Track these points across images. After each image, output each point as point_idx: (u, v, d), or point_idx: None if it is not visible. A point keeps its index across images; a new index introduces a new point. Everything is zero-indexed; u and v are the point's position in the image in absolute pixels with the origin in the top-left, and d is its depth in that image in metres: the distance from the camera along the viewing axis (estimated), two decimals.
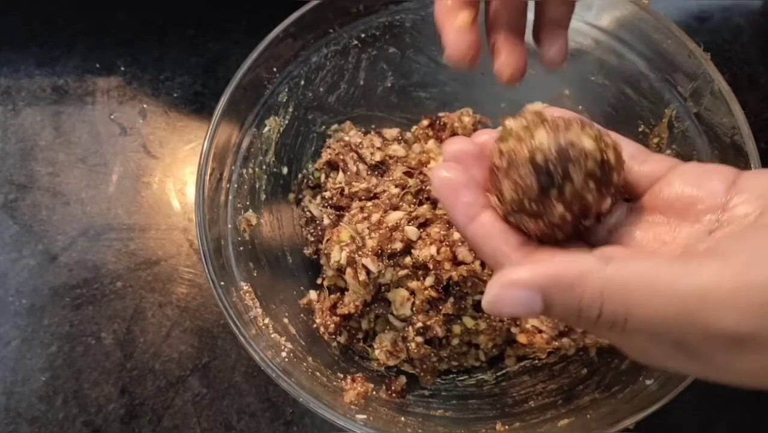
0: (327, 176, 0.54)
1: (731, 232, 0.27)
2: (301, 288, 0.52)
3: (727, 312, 0.24)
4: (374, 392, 0.47)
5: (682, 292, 0.24)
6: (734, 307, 0.24)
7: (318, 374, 0.46)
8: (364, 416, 0.43)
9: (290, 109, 0.53)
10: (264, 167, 0.52)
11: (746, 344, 0.24)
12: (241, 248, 0.49)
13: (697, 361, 0.26)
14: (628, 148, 0.33)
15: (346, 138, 0.54)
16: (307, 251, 0.54)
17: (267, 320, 0.47)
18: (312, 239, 0.53)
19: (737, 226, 0.27)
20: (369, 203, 0.50)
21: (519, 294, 0.27)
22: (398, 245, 0.46)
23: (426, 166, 0.52)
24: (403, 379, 0.49)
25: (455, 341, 0.48)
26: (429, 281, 0.46)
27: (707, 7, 0.68)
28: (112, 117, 0.65)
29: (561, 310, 0.27)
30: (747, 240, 0.25)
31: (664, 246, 0.29)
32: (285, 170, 0.54)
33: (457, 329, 0.47)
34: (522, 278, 0.27)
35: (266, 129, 0.52)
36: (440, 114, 0.56)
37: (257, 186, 0.52)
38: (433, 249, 0.46)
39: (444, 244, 0.46)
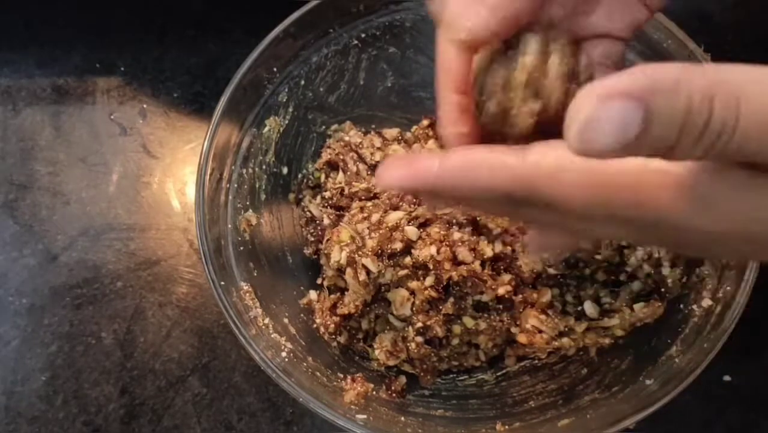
0: (327, 176, 0.54)
1: None
2: (301, 288, 0.52)
3: None
4: (374, 392, 0.47)
5: None
6: None
7: (318, 374, 0.46)
8: (364, 416, 0.43)
9: (290, 109, 0.53)
10: (264, 167, 0.52)
11: None
12: (241, 248, 0.49)
13: None
14: None
15: (346, 138, 0.54)
16: (307, 251, 0.54)
17: (267, 320, 0.47)
18: (312, 239, 0.53)
19: None
20: (369, 203, 0.50)
21: (617, 109, 0.21)
22: (398, 245, 0.46)
23: None
24: (403, 379, 0.49)
25: (455, 341, 0.48)
26: (429, 281, 0.46)
27: (708, 7, 0.68)
28: (112, 117, 0.65)
29: (665, 121, 0.21)
30: None
31: None
32: (285, 170, 0.54)
33: (457, 329, 0.47)
34: (619, 87, 0.21)
35: (266, 129, 0.52)
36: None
37: (257, 186, 0.52)
38: (433, 249, 0.46)
39: (444, 244, 0.46)
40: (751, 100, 0.21)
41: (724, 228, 0.24)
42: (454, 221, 0.48)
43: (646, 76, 0.21)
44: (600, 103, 0.21)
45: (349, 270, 0.47)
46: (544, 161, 0.26)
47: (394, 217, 0.48)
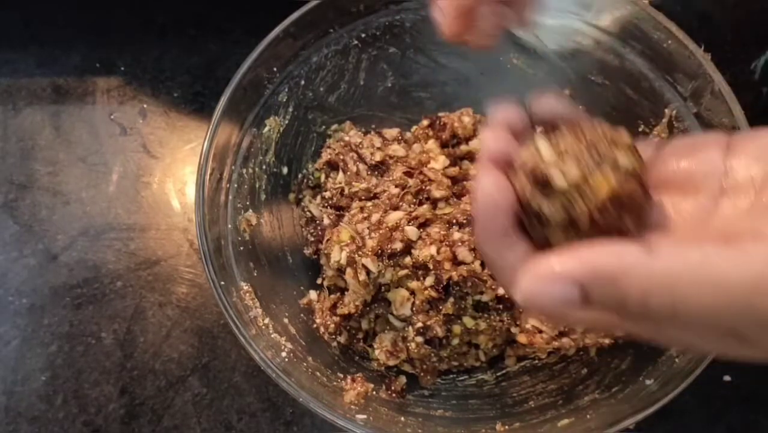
0: (327, 176, 0.54)
1: (763, 207, 0.26)
2: (301, 288, 0.52)
3: None
4: (374, 392, 0.47)
5: (734, 281, 0.23)
6: None
7: (318, 374, 0.46)
8: (364, 416, 0.43)
9: (290, 109, 0.53)
10: (264, 167, 0.52)
11: None
12: (241, 248, 0.49)
13: (747, 345, 0.24)
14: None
15: (346, 138, 0.54)
16: (307, 251, 0.54)
17: (267, 320, 0.47)
18: (312, 239, 0.53)
19: (747, 194, 0.26)
20: (369, 203, 0.50)
21: (557, 288, 0.24)
22: (398, 245, 0.46)
23: (426, 166, 0.52)
24: (403, 379, 0.49)
25: (455, 341, 0.48)
26: (429, 281, 0.46)
27: (708, 7, 0.68)
28: (112, 117, 0.65)
29: (600, 303, 0.25)
30: None
31: (681, 223, 0.28)
32: (285, 170, 0.54)
33: (457, 329, 0.47)
34: (559, 269, 0.25)
35: (266, 129, 0.52)
36: (440, 114, 0.56)
37: (257, 186, 0.52)
38: (433, 249, 0.46)
39: (444, 244, 0.46)
40: (690, 295, 0.23)
41: None
42: (454, 221, 0.48)
43: (588, 266, 0.24)
44: (539, 282, 0.25)
45: (349, 270, 0.47)
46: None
47: (394, 217, 0.48)
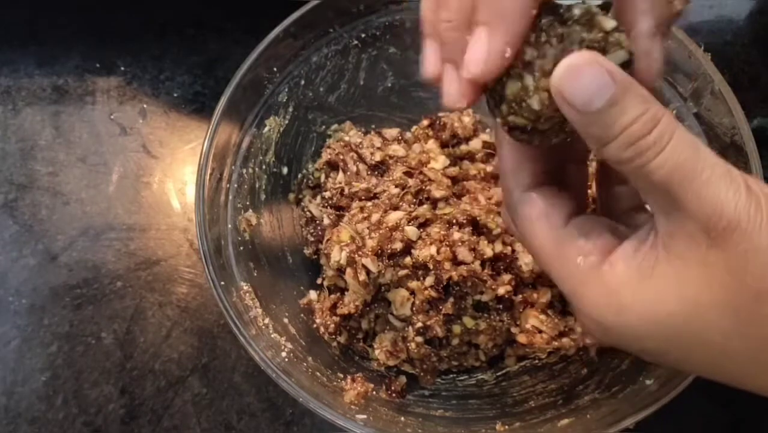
0: (327, 176, 0.54)
1: (666, 250, 0.28)
2: (301, 288, 0.52)
3: (732, 197, 0.25)
4: (374, 392, 0.47)
5: (709, 162, 0.26)
6: (737, 196, 0.25)
7: (318, 374, 0.46)
8: (364, 416, 0.43)
9: (290, 109, 0.53)
10: (264, 167, 0.52)
11: (723, 235, 0.25)
12: (241, 248, 0.49)
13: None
14: None
15: (346, 138, 0.54)
16: (307, 251, 0.54)
17: (267, 320, 0.47)
18: (312, 239, 0.53)
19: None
20: (369, 203, 0.50)
21: (600, 76, 0.26)
22: (398, 245, 0.46)
23: (426, 166, 0.52)
24: (403, 379, 0.49)
25: (455, 341, 0.48)
26: (429, 281, 0.46)
27: (707, 7, 0.68)
28: (112, 117, 0.65)
29: (620, 112, 0.26)
30: (666, 269, 0.27)
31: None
32: (285, 170, 0.54)
33: (457, 329, 0.47)
34: (609, 66, 0.26)
35: (266, 129, 0.52)
36: (440, 114, 0.56)
37: (257, 186, 0.52)
38: (433, 249, 0.46)
39: (444, 244, 0.46)
40: (678, 143, 0.26)
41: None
42: (454, 220, 0.48)
43: (631, 79, 0.26)
44: (587, 63, 0.26)
45: (349, 270, 0.47)
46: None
47: (394, 217, 0.48)
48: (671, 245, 0.27)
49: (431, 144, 0.54)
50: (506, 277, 0.47)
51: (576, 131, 0.28)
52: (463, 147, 0.55)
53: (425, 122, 0.56)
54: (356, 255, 0.46)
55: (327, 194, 0.53)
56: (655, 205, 0.28)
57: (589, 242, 0.30)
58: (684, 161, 0.26)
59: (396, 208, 0.49)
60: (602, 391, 0.45)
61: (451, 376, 0.51)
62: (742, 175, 0.26)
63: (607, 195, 0.35)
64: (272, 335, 0.46)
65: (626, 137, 0.26)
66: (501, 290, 0.46)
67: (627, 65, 0.28)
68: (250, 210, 0.51)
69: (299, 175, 0.55)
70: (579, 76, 0.26)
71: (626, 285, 0.28)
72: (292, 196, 0.55)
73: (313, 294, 0.52)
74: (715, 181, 0.25)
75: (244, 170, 0.50)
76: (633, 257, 0.28)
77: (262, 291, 0.48)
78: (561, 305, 0.49)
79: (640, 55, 0.29)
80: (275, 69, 0.51)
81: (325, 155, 0.54)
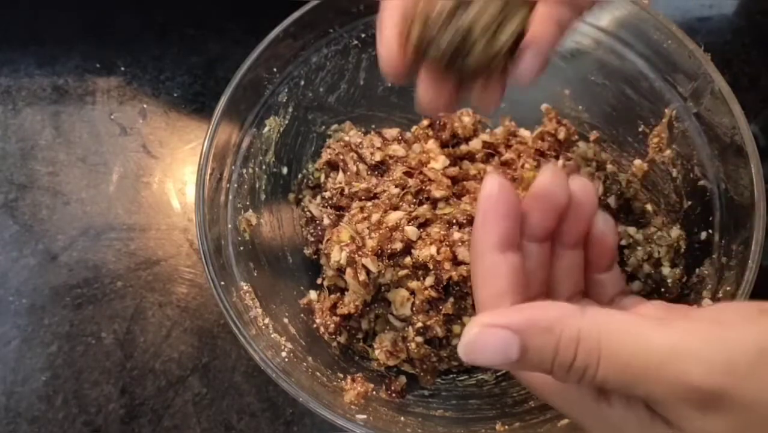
0: (327, 176, 0.54)
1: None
2: (301, 288, 0.52)
3: (695, 365, 0.24)
4: (374, 392, 0.47)
5: (653, 344, 0.24)
6: (701, 360, 0.24)
7: (318, 374, 0.46)
8: (364, 416, 0.43)
9: (290, 109, 0.53)
10: (264, 167, 0.52)
11: (712, 403, 0.24)
12: (241, 248, 0.49)
13: (665, 427, 0.26)
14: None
15: (346, 138, 0.54)
16: (307, 251, 0.54)
17: (267, 320, 0.47)
18: (312, 239, 0.53)
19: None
20: (369, 203, 0.50)
21: (498, 337, 0.26)
22: (398, 245, 0.46)
23: (426, 166, 0.52)
24: (403, 379, 0.49)
25: (455, 341, 0.48)
26: (429, 281, 0.46)
27: (707, 7, 0.68)
28: (112, 117, 0.65)
29: (537, 354, 0.26)
30: (713, 309, 0.27)
31: None
32: (285, 170, 0.54)
33: (457, 329, 0.47)
34: (501, 320, 0.27)
35: (266, 129, 0.52)
36: (440, 114, 0.56)
37: (257, 186, 0.52)
38: (433, 249, 0.46)
39: (444, 244, 0.46)
40: (612, 350, 0.25)
41: None
42: (454, 220, 0.48)
43: (526, 317, 0.26)
44: (481, 331, 0.26)
45: (349, 270, 0.47)
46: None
47: (394, 217, 0.48)
48: (672, 419, 0.26)
49: (431, 144, 0.54)
50: None
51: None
52: (463, 147, 0.55)
53: (425, 122, 0.56)
54: (356, 255, 0.46)
55: (327, 194, 0.53)
56: (641, 398, 0.27)
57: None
58: (628, 359, 0.25)
59: (396, 208, 0.49)
60: None
61: (451, 376, 0.51)
62: (699, 322, 0.25)
63: (591, 283, 0.35)
64: (272, 335, 0.46)
65: (559, 368, 0.26)
66: None
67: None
68: (250, 210, 0.51)
69: (299, 175, 0.55)
70: (481, 348, 0.27)
71: None
72: (292, 196, 0.55)
73: (313, 294, 0.52)
74: (670, 359, 0.24)
75: (244, 170, 0.50)
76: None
77: (262, 291, 0.48)
78: None
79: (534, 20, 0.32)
80: (275, 69, 0.51)
81: (325, 155, 0.54)
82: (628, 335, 0.25)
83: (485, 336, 0.26)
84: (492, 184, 0.30)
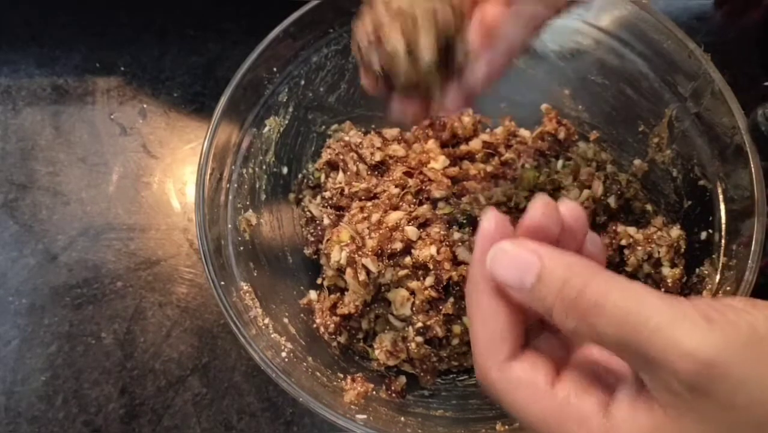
0: (327, 176, 0.54)
1: (659, 403, 0.27)
2: (301, 288, 0.52)
3: (691, 335, 0.24)
4: (374, 392, 0.47)
5: (655, 309, 0.25)
6: (698, 331, 0.24)
7: (318, 374, 0.46)
8: (364, 416, 0.43)
9: (290, 109, 0.53)
10: (264, 167, 0.52)
11: (702, 379, 0.24)
12: (241, 248, 0.49)
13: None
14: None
15: (346, 138, 0.54)
16: (307, 251, 0.54)
17: (267, 320, 0.47)
18: (312, 239, 0.53)
19: None
20: (369, 203, 0.50)
21: (523, 255, 0.28)
22: (398, 245, 0.46)
23: (426, 166, 0.52)
24: (403, 379, 0.49)
25: (455, 341, 0.48)
26: (429, 281, 0.46)
27: (707, 7, 0.68)
28: (112, 117, 0.65)
29: (548, 284, 0.27)
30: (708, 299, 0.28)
31: None
32: (285, 170, 0.54)
33: (457, 329, 0.47)
34: (531, 245, 0.28)
35: (266, 129, 0.52)
36: (440, 114, 0.56)
37: (257, 186, 0.52)
38: (433, 249, 0.46)
39: (444, 244, 0.46)
40: (615, 298, 0.26)
41: None
42: (454, 221, 0.48)
43: (552, 251, 0.28)
44: (513, 245, 0.28)
45: (349, 270, 0.47)
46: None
47: (394, 217, 0.48)
48: (661, 399, 0.26)
49: (431, 144, 0.54)
50: None
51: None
52: (463, 147, 0.55)
53: (425, 122, 0.56)
54: (356, 255, 0.46)
55: (327, 194, 0.53)
56: (630, 364, 0.27)
57: (585, 404, 0.28)
58: (628, 314, 0.25)
59: (396, 208, 0.49)
60: None
61: (451, 376, 0.51)
62: (700, 304, 0.25)
63: None
64: (272, 335, 0.46)
65: (560, 302, 0.27)
66: None
67: None
68: (250, 210, 0.51)
69: (299, 175, 0.55)
70: (505, 259, 0.28)
71: None
72: (292, 196, 0.55)
73: (313, 294, 0.52)
74: (669, 326, 0.24)
75: (244, 170, 0.50)
76: (634, 419, 0.27)
77: (262, 291, 0.48)
78: None
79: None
80: (275, 69, 0.51)
81: (325, 155, 0.54)
82: (635, 296, 0.25)
83: (513, 249, 0.28)
84: (489, 221, 0.30)
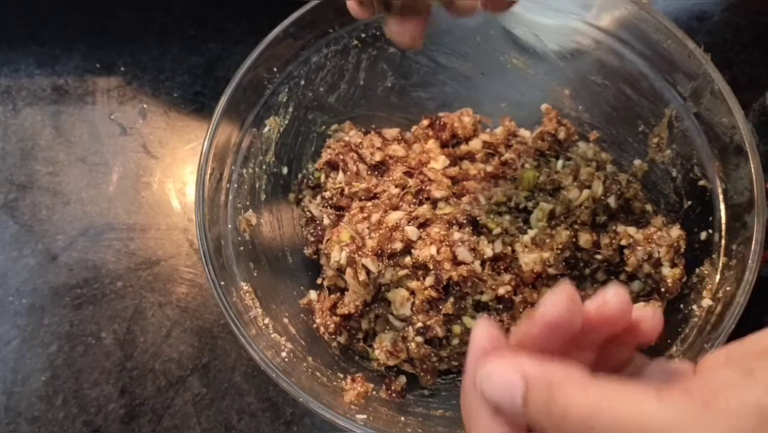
0: (327, 176, 0.54)
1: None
2: (301, 288, 0.52)
3: None
4: (374, 392, 0.47)
5: (651, 416, 0.24)
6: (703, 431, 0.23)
7: (318, 374, 0.46)
8: (364, 416, 0.43)
9: (290, 109, 0.53)
10: (264, 167, 0.52)
11: None
12: (241, 248, 0.49)
13: None
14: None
15: (346, 138, 0.54)
16: (307, 251, 0.54)
17: (267, 320, 0.47)
18: (312, 239, 0.53)
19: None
20: (369, 203, 0.50)
21: (507, 377, 0.26)
22: (398, 245, 0.46)
23: (426, 166, 0.52)
24: (403, 379, 0.49)
25: (455, 341, 0.48)
26: (429, 281, 0.46)
27: (707, 7, 0.68)
28: (112, 117, 0.65)
29: (535, 406, 0.26)
30: (704, 379, 0.26)
31: None
32: (285, 170, 0.54)
33: (457, 329, 0.47)
34: (515, 362, 0.27)
35: (266, 129, 0.52)
36: (440, 114, 0.56)
37: (257, 186, 0.52)
38: (433, 249, 0.46)
39: (444, 244, 0.46)
40: (610, 414, 0.24)
41: None
42: (454, 221, 0.48)
43: (537, 367, 0.26)
44: (498, 363, 0.27)
45: (349, 270, 0.47)
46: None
47: (394, 217, 0.48)
48: None
49: (431, 144, 0.54)
50: (506, 277, 0.47)
51: None
52: (463, 147, 0.55)
53: (425, 122, 0.56)
54: (356, 255, 0.46)
55: (327, 194, 0.53)
56: None
57: None
58: (626, 428, 0.24)
59: (396, 208, 0.49)
60: None
61: (451, 376, 0.51)
62: (694, 391, 0.24)
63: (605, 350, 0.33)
64: (272, 335, 0.46)
65: (551, 426, 0.25)
66: (501, 290, 0.46)
67: None
68: (250, 210, 0.51)
69: (299, 175, 0.55)
70: (493, 379, 0.27)
71: None
72: (292, 196, 0.55)
73: (313, 294, 0.52)
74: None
75: (244, 170, 0.50)
76: None
77: (262, 291, 0.48)
78: None
79: None
80: (275, 69, 0.51)
81: (325, 155, 0.54)
82: (627, 403, 0.24)
83: (499, 369, 0.27)
84: (480, 336, 0.29)
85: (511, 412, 0.27)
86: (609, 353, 0.32)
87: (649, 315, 0.31)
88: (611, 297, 0.29)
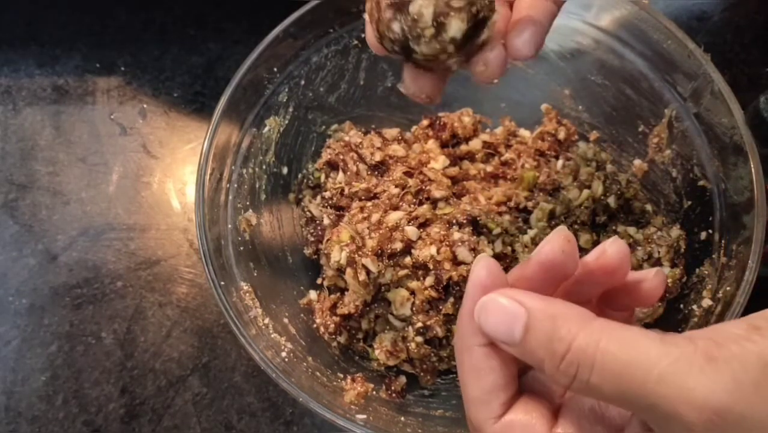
0: (327, 176, 0.54)
1: None
2: (301, 288, 0.52)
3: (699, 381, 0.22)
4: (374, 392, 0.47)
5: (655, 356, 0.23)
6: (705, 377, 0.22)
7: (318, 374, 0.46)
8: (364, 416, 0.43)
9: (290, 109, 0.53)
10: (264, 167, 0.52)
11: (716, 425, 0.22)
12: (241, 248, 0.49)
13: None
14: None
15: (346, 138, 0.54)
16: (307, 251, 0.54)
17: (267, 320, 0.47)
18: (312, 239, 0.53)
19: None
20: (369, 203, 0.50)
21: (508, 308, 0.26)
22: (398, 245, 0.46)
23: (426, 166, 0.52)
24: (403, 379, 0.49)
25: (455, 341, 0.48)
26: (429, 281, 0.46)
27: (707, 7, 0.68)
28: (112, 117, 0.65)
29: (535, 337, 0.25)
30: (707, 330, 0.25)
31: None
32: (285, 170, 0.54)
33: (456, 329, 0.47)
34: (517, 295, 0.26)
35: (266, 129, 0.52)
36: (440, 114, 0.56)
37: (257, 186, 0.52)
38: (433, 249, 0.46)
39: (444, 244, 0.46)
40: (609, 350, 0.24)
41: None
42: (454, 220, 0.48)
43: (540, 300, 0.26)
44: (496, 296, 0.26)
45: (349, 270, 0.47)
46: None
47: (394, 217, 0.48)
48: None
49: (431, 144, 0.54)
50: None
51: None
52: (463, 147, 0.55)
53: (425, 122, 0.56)
54: (356, 255, 0.46)
55: (327, 194, 0.53)
56: (635, 414, 0.26)
57: None
58: (626, 367, 0.23)
59: (396, 208, 0.49)
60: None
61: (451, 376, 0.51)
62: (699, 341, 0.23)
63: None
64: (272, 335, 0.46)
65: (551, 358, 0.25)
66: None
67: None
68: (250, 210, 0.51)
69: (299, 175, 0.55)
70: (492, 311, 0.26)
71: None
72: (292, 196, 0.55)
73: (313, 294, 0.52)
74: (674, 375, 0.22)
75: (244, 170, 0.50)
76: None
77: (262, 291, 0.48)
78: None
79: None
80: (275, 69, 0.51)
81: (325, 155, 0.54)
82: (629, 342, 0.24)
83: (501, 300, 0.26)
84: (480, 269, 0.28)
85: (509, 343, 0.26)
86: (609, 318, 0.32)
87: (650, 275, 0.30)
88: (610, 246, 0.29)
